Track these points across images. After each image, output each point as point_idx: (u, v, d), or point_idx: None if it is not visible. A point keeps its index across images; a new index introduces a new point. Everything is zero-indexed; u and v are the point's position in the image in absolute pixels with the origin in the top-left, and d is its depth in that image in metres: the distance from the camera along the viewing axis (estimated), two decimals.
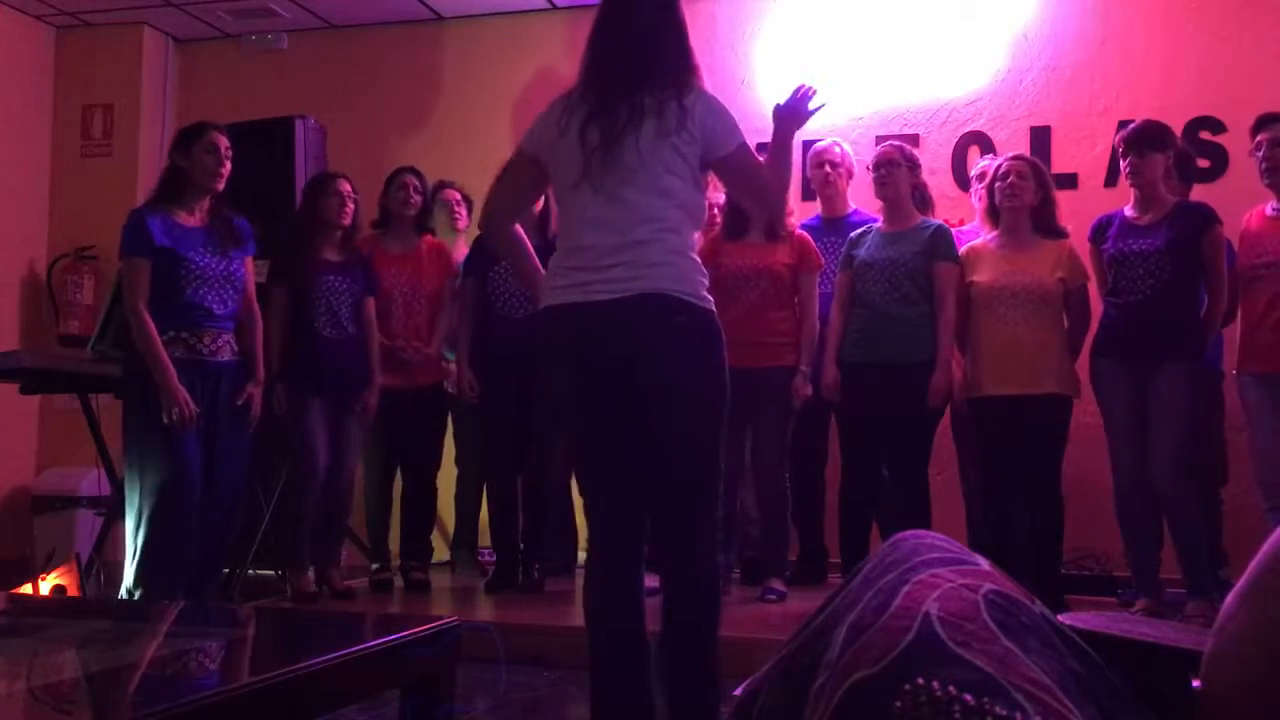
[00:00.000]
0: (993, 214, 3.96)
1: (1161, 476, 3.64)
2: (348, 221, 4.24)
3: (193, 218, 3.62)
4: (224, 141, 3.65)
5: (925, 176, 4.27)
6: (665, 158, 2.29)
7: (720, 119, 2.34)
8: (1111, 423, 3.79)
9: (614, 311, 2.25)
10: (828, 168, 4.41)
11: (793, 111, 2.49)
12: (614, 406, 2.31)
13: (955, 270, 3.91)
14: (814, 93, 2.50)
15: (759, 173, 2.44)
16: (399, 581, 4.47)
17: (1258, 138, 3.71)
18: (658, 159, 2.28)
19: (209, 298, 3.57)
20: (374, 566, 4.50)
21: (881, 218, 4.09)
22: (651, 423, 2.29)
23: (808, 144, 4.71)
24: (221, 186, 3.65)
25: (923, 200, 4.09)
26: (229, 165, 3.65)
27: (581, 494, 2.49)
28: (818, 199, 4.61)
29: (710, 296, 2.35)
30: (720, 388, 2.32)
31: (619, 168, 2.28)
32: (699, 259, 2.36)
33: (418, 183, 4.54)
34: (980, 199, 4.18)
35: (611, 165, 2.28)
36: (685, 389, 2.28)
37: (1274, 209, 3.70)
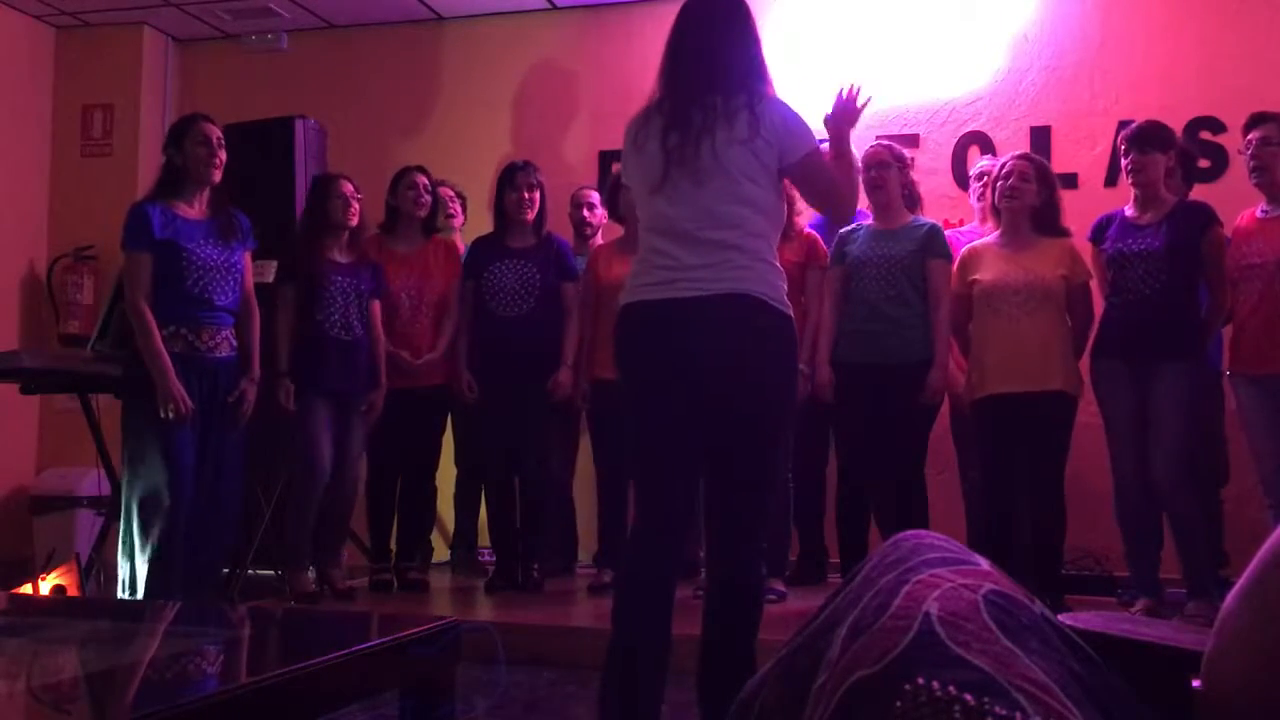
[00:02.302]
0: (994, 212, 3.96)
1: (1163, 476, 3.65)
2: (354, 222, 4.25)
3: (193, 210, 3.62)
4: (215, 132, 3.65)
5: (925, 176, 4.27)
6: (742, 163, 2.31)
7: (792, 125, 2.37)
8: (1112, 422, 3.79)
9: (698, 308, 2.28)
10: None
11: (841, 115, 2.54)
12: (687, 403, 2.32)
13: (949, 268, 3.91)
14: (858, 91, 2.55)
15: (831, 177, 2.46)
16: (398, 581, 4.47)
17: (1248, 136, 3.72)
18: (734, 164, 2.31)
19: (211, 288, 3.57)
20: (371, 568, 4.50)
21: (872, 216, 4.10)
22: (722, 419, 2.31)
23: None
24: (219, 177, 3.64)
25: (911, 199, 4.09)
26: (223, 155, 3.65)
27: (634, 485, 2.47)
28: None
29: (790, 302, 2.36)
30: (791, 391, 2.36)
31: (697, 170, 2.31)
32: (779, 264, 2.38)
33: (427, 182, 4.53)
34: (981, 198, 4.19)
35: (689, 168, 2.32)
36: (760, 388, 2.31)
37: (1263, 210, 3.71)
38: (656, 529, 2.35)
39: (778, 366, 2.34)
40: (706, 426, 2.32)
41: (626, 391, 2.44)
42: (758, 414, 2.32)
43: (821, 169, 2.43)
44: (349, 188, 4.24)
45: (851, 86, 2.54)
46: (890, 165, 3.99)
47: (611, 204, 4.43)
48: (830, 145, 2.54)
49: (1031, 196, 3.84)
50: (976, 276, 3.87)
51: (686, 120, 2.34)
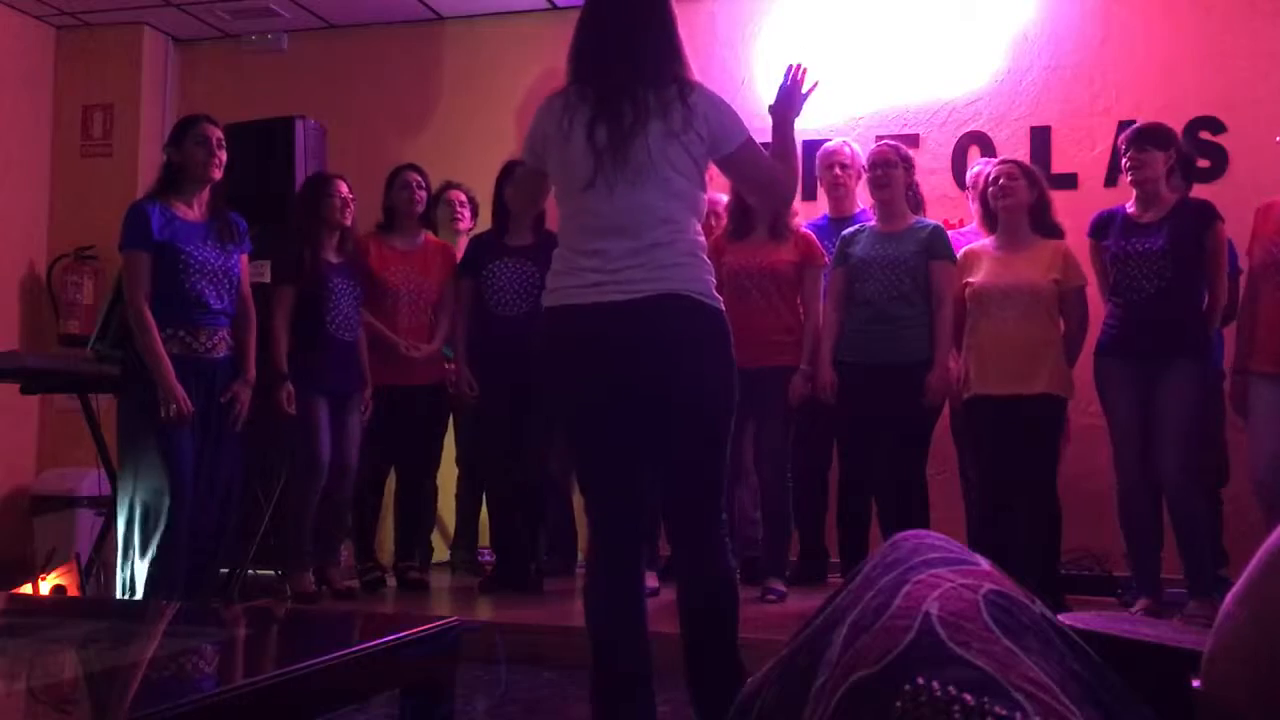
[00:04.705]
0: (989, 220, 3.96)
1: (1168, 476, 3.64)
2: (349, 222, 4.25)
3: (192, 211, 3.62)
4: (216, 133, 3.64)
5: (925, 176, 4.27)
6: (673, 157, 2.28)
7: (725, 116, 2.34)
8: (1116, 422, 3.79)
9: (629, 312, 2.25)
10: (838, 169, 4.41)
11: (787, 100, 2.49)
12: (624, 406, 2.30)
13: (952, 269, 3.92)
14: (804, 73, 2.48)
15: (765, 168, 2.44)
16: (392, 581, 4.47)
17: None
18: (666, 159, 2.28)
19: (207, 291, 3.57)
20: (358, 567, 4.48)
21: (875, 217, 4.10)
22: (665, 422, 2.30)
23: (814, 144, 4.71)
24: (218, 176, 3.64)
25: (915, 201, 4.10)
26: (223, 155, 3.64)
27: (583, 492, 2.49)
28: (825, 199, 4.61)
29: (720, 296, 2.36)
30: (731, 387, 2.33)
31: (630, 168, 2.27)
32: (707, 259, 2.37)
33: (421, 180, 4.54)
34: (976, 205, 4.20)
35: (623, 165, 2.27)
36: (700, 388, 2.29)
37: None
38: (613, 536, 2.34)
39: (716, 363, 2.31)
40: (650, 430, 2.30)
41: (560, 398, 2.40)
42: (702, 414, 2.30)
43: (755, 160, 2.40)
44: (344, 188, 4.24)
45: (798, 68, 2.48)
46: (896, 165, 3.99)
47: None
48: (774, 134, 2.49)
49: (1024, 194, 3.84)
50: (969, 279, 3.89)
51: (616, 114, 2.28)
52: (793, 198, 2.68)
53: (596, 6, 2.43)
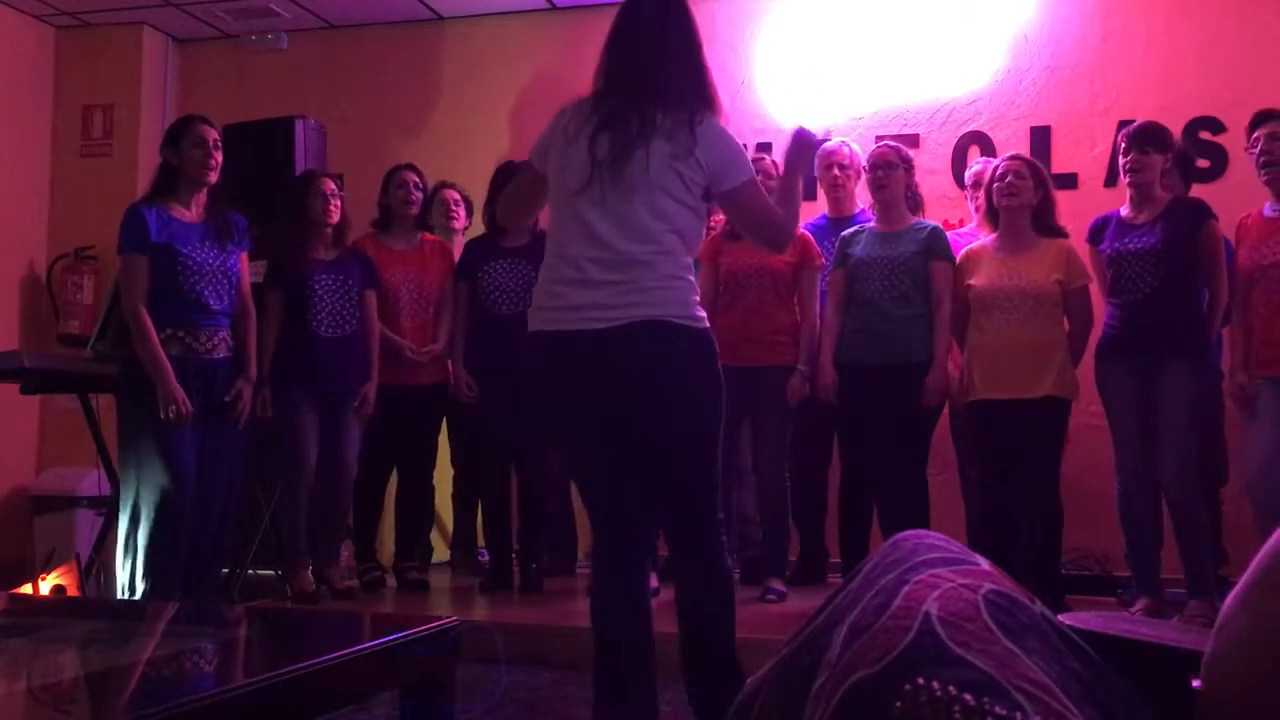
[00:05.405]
0: (991, 216, 3.95)
1: (1168, 476, 3.64)
2: (335, 219, 4.22)
3: (190, 212, 3.62)
4: (212, 134, 3.64)
5: (925, 176, 4.26)
6: (667, 181, 2.29)
7: (729, 152, 2.35)
8: (1116, 422, 3.78)
9: (610, 340, 2.26)
10: (836, 170, 4.40)
11: (801, 147, 2.54)
12: (612, 429, 2.33)
13: (951, 270, 3.91)
14: (814, 133, 2.56)
15: (763, 208, 2.44)
16: (392, 581, 4.47)
17: (1255, 133, 3.69)
18: (660, 181, 2.29)
19: (206, 292, 3.57)
20: (358, 567, 4.48)
21: (875, 217, 4.09)
22: (652, 442, 2.32)
23: None
24: (214, 178, 3.64)
25: (914, 201, 4.09)
26: (219, 156, 3.64)
27: (583, 498, 2.51)
28: (824, 198, 4.60)
29: (704, 314, 2.37)
30: (718, 404, 2.35)
31: (623, 181, 2.28)
32: (693, 279, 2.38)
33: (417, 179, 4.53)
34: (977, 204, 4.19)
35: (616, 178, 2.29)
36: (686, 412, 2.31)
37: (1273, 208, 3.68)
38: (616, 538, 2.37)
39: (700, 383, 2.32)
40: (639, 446, 2.33)
41: (551, 418, 2.43)
42: (687, 434, 2.32)
43: (752, 201, 2.41)
44: (330, 185, 4.23)
45: (807, 131, 2.55)
46: (896, 166, 3.98)
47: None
48: (784, 177, 2.56)
49: (1029, 194, 3.83)
50: (971, 281, 3.87)
51: (623, 126, 2.30)
52: (787, 243, 2.69)
53: (622, 25, 2.45)
